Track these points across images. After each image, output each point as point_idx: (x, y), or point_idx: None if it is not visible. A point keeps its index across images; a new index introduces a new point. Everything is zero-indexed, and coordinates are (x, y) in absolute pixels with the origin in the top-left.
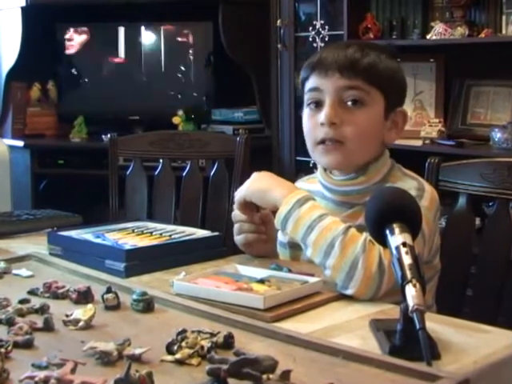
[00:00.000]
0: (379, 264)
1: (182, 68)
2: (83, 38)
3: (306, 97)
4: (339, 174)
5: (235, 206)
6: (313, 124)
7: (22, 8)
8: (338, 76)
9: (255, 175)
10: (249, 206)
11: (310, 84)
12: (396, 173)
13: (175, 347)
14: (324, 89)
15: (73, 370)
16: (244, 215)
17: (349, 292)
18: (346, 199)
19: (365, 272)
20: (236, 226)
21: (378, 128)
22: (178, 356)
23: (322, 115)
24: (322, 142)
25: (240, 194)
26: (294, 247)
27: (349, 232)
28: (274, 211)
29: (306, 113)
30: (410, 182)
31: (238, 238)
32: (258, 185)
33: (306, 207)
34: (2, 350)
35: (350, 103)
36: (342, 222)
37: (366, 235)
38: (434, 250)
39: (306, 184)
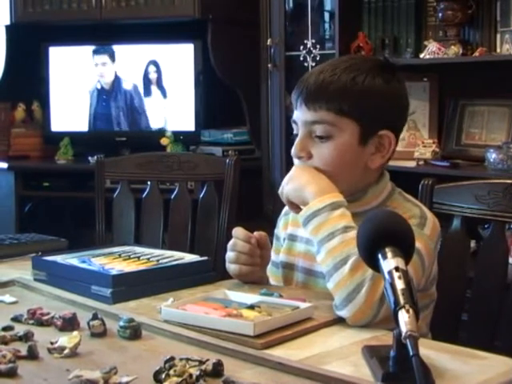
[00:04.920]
0: (382, 295)
1: (171, 88)
2: (68, 57)
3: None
4: None
5: (236, 233)
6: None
7: (7, 26)
8: (304, 109)
9: (294, 171)
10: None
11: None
12: (397, 198)
13: (163, 375)
14: (297, 121)
15: None
16: (245, 246)
17: (343, 313)
18: None
19: (366, 299)
20: (231, 255)
21: (353, 156)
22: None
23: (292, 147)
24: None
25: (283, 195)
26: (287, 267)
27: None
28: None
29: None
30: (412, 209)
31: (232, 268)
32: (294, 183)
33: (337, 214)
34: None
35: (316, 137)
36: None
37: None
38: (432, 278)
39: None
